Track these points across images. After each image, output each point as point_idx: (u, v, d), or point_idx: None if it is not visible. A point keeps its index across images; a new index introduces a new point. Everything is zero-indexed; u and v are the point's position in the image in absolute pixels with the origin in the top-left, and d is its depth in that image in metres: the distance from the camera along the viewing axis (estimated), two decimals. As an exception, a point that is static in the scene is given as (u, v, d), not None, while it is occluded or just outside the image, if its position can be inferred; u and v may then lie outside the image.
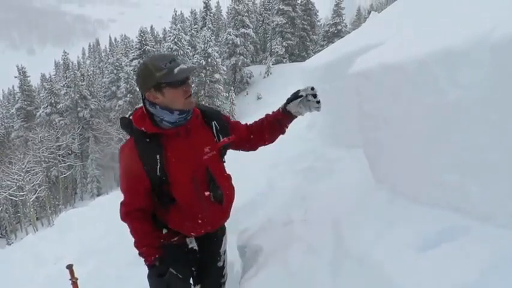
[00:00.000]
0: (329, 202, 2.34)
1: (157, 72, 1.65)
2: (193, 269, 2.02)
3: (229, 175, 1.99)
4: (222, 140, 1.88)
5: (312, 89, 1.89)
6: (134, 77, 1.96)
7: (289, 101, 1.94)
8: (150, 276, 1.84)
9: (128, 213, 1.83)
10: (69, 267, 2.68)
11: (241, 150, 2.08)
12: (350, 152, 2.81)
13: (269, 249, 2.33)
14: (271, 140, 2.05)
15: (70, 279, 2.66)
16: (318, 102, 1.88)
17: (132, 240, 1.86)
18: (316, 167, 3.21)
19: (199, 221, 1.87)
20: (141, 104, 1.81)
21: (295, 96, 1.92)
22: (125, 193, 1.84)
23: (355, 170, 2.43)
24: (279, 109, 1.98)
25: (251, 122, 2.07)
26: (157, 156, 1.73)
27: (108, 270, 4.30)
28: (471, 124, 1.34)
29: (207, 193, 1.82)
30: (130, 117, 1.80)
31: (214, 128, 1.87)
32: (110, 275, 4.16)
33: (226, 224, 2.08)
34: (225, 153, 1.94)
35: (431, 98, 1.45)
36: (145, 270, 1.87)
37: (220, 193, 1.85)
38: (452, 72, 1.34)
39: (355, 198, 2.15)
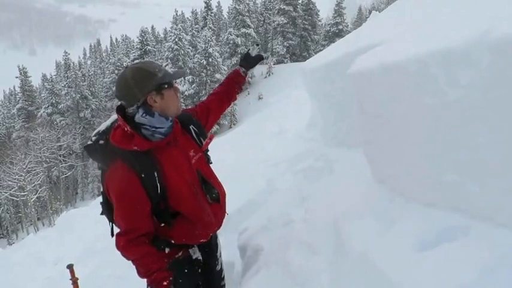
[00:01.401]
0: (329, 202, 2.34)
1: (158, 72, 1.60)
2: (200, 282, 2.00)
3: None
4: (204, 143, 1.86)
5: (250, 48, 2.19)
6: (118, 86, 1.66)
7: (250, 65, 2.15)
8: None
9: (130, 241, 1.66)
10: (70, 267, 2.69)
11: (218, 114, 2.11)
12: (350, 152, 2.81)
13: (269, 249, 2.33)
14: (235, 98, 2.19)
15: (70, 279, 2.66)
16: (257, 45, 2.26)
17: (135, 270, 1.71)
18: (316, 167, 3.21)
19: (208, 225, 1.85)
20: (110, 125, 1.71)
21: (255, 59, 2.17)
22: (125, 221, 1.67)
23: (355, 170, 2.43)
24: (241, 76, 2.13)
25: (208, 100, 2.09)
26: (155, 173, 1.62)
27: (109, 270, 4.30)
28: (471, 124, 1.33)
29: (204, 196, 1.80)
30: (100, 142, 1.67)
31: (193, 132, 1.84)
32: (110, 275, 4.16)
33: (224, 224, 2.08)
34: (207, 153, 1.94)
35: (431, 98, 1.45)
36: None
37: (217, 192, 1.86)
38: (452, 72, 1.34)
39: (355, 198, 2.14)
